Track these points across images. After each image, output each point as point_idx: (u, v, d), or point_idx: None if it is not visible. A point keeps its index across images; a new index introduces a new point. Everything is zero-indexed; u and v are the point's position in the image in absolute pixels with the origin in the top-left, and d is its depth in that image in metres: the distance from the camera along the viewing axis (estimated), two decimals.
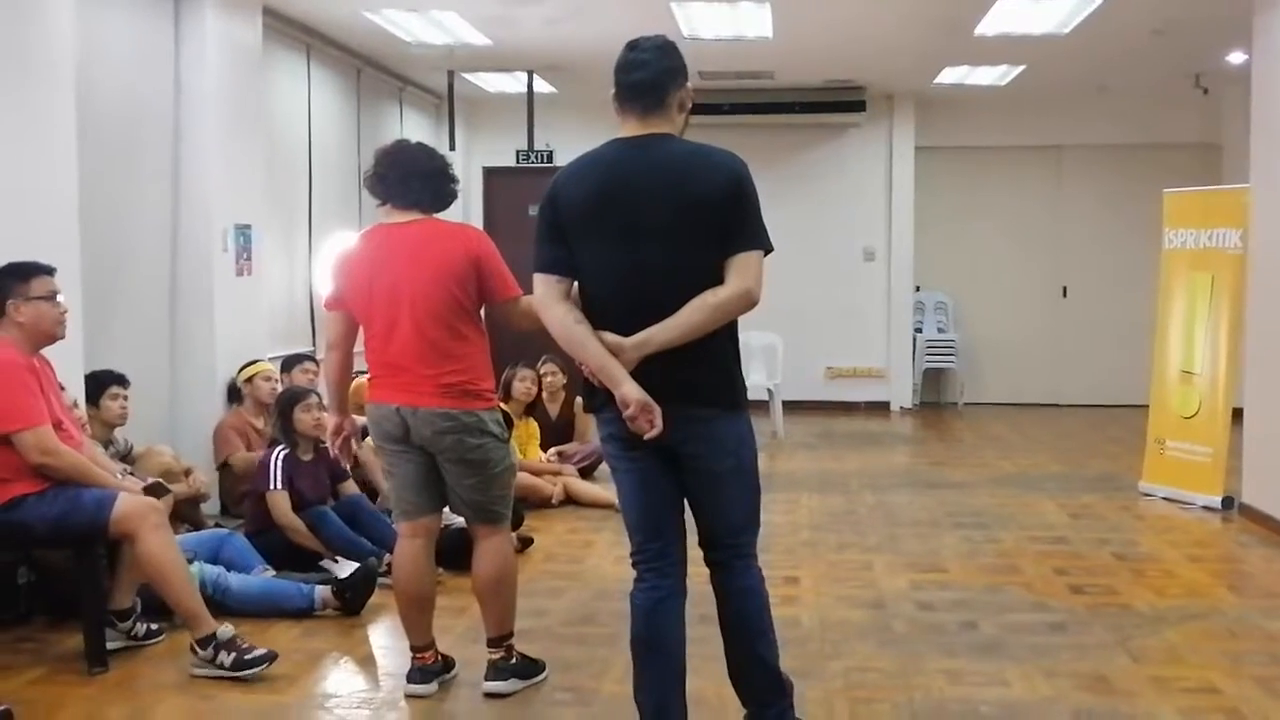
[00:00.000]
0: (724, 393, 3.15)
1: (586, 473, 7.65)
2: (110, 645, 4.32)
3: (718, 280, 3.04)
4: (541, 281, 3.17)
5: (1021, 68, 9.89)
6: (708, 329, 3.04)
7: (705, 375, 3.10)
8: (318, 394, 5.72)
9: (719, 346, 3.10)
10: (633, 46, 3.16)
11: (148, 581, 4.30)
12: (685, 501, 3.24)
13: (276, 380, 6.51)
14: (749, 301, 3.06)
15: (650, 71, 3.12)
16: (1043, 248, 12.06)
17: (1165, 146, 11.41)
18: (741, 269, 3.04)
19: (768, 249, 3.10)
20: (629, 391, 2.99)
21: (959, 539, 6.29)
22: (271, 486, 5.42)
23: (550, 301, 3.14)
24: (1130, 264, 11.12)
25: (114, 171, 6.06)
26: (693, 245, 3.04)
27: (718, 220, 3.03)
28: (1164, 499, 7.26)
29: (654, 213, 3.04)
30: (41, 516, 4.12)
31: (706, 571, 3.28)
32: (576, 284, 3.18)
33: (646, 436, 3.00)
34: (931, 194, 11.87)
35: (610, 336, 3.05)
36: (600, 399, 3.14)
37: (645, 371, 3.02)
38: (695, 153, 3.12)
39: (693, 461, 3.14)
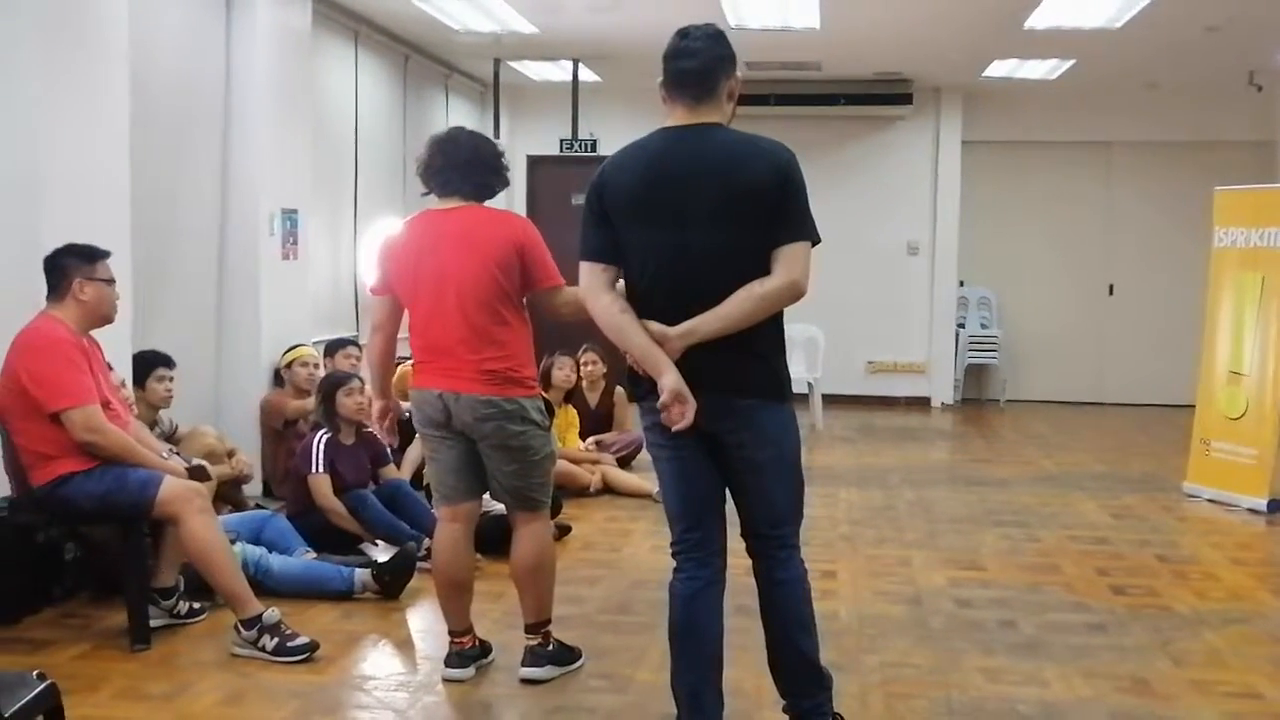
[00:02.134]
0: (767, 383, 3.14)
1: (625, 462, 7.66)
2: (153, 622, 4.38)
3: (763, 270, 3.03)
4: (587, 270, 3.17)
5: (1071, 62, 9.78)
6: (754, 320, 3.03)
7: (749, 365, 3.09)
8: (360, 378, 5.78)
9: (763, 337, 3.09)
10: (683, 34, 3.14)
11: (192, 563, 4.36)
12: (727, 492, 3.24)
13: (315, 366, 6.57)
14: (796, 293, 3.04)
15: (700, 60, 3.10)
16: (1089, 245, 11.93)
17: (1216, 144, 11.25)
18: (788, 260, 3.02)
19: (815, 240, 3.08)
20: (667, 381, 2.99)
21: (998, 537, 6.25)
22: (313, 470, 5.46)
23: (596, 290, 3.14)
24: (1178, 263, 10.98)
25: (165, 156, 6.12)
26: (739, 235, 3.02)
27: (764, 210, 3.02)
28: (1208, 500, 7.18)
29: (701, 202, 3.03)
30: (88, 494, 4.19)
31: (746, 562, 3.28)
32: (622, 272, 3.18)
33: (675, 429, 3.00)
34: (977, 189, 11.77)
35: (655, 326, 3.05)
36: (644, 388, 3.14)
37: (689, 361, 3.02)
38: (744, 142, 3.10)
39: (735, 451, 3.13)
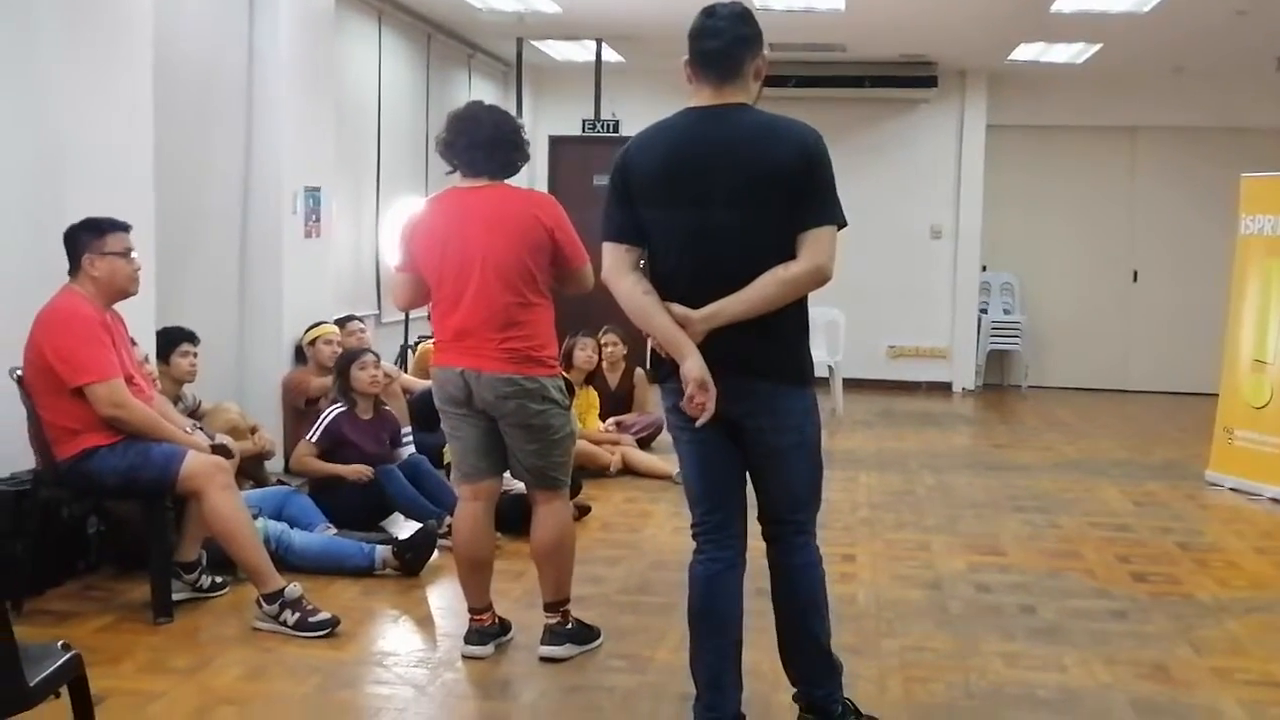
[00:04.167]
0: (789, 367, 3.12)
1: (645, 443, 7.66)
2: (176, 596, 4.41)
3: (788, 254, 3.01)
4: (611, 250, 3.14)
5: (1098, 46, 9.70)
6: (778, 304, 3.01)
7: (771, 349, 3.07)
8: (374, 353, 5.81)
9: (787, 321, 3.07)
10: (709, 13, 3.10)
11: (214, 538, 4.38)
12: (747, 475, 3.23)
13: (338, 344, 6.59)
14: (821, 278, 3.02)
15: (726, 39, 3.06)
16: (1114, 231, 11.85)
17: (1244, 130, 11.13)
18: (814, 244, 3.00)
19: (841, 224, 3.05)
20: (691, 368, 2.98)
21: (1019, 522, 6.23)
22: (309, 436, 5.56)
23: (620, 271, 3.12)
24: (1203, 249, 10.91)
25: (188, 133, 6.13)
26: (763, 217, 3.00)
27: (789, 192, 2.99)
28: (1231, 489, 7.13)
29: (725, 183, 3.01)
30: (112, 469, 4.21)
31: (764, 544, 3.28)
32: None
33: (698, 423, 2.99)
34: (1002, 173, 11.70)
35: (678, 308, 3.03)
36: (666, 370, 3.12)
37: (712, 343, 3.01)
38: (770, 123, 3.07)
39: (755, 435, 3.12)
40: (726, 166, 3.01)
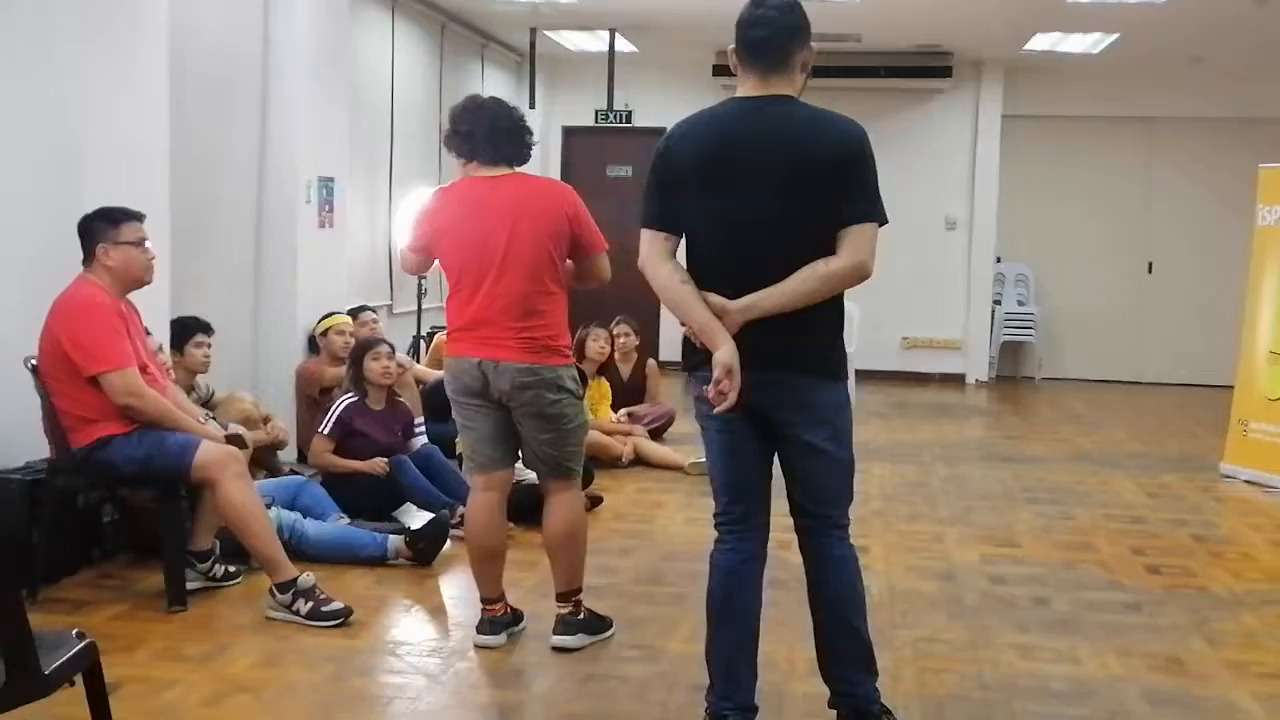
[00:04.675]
0: (823, 361, 3.11)
1: (656, 434, 7.66)
2: (189, 585, 4.43)
3: (826, 249, 2.99)
4: (649, 237, 3.12)
5: (1115, 36, 9.64)
6: (815, 299, 3.00)
7: (806, 342, 3.05)
8: (389, 344, 5.82)
9: (823, 315, 3.05)
10: (758, 3, 3.06)
11: (228, 527, 4.40)
12: (773, 468, 3.21)
13: (351, 334, 6.60)
14: (861, 275, 3.01)
15: (774, 29, 3.03)
16: (1129, 222, 11.79)
17: (1262, 121, 11.04)
18: (855, 241, 2.98)
19: (882, 221, 3.04)
20: (723, 355, 2.95)
21: (1033, 514, 6.22)
22: (321, 429, 5.57)
23: (657, 258, 3.09)
24: (1220, 241, 10.85)
25: (203, 124, 6.14)
26: (803, 211, 2.98)
27: (831, 187, 2.97)
28: (1245, 481, 7.10)
29: (767, 176, 2.99)
30: (127, 458, 4.23)
31: (779, 535, 3.27)
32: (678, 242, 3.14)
33: (717, 410, 2.98)
34: (1017, 163, 11.65)
35: (715, 298, 3.01)
36: (698, 357, 3.09)
37: (746, 335, 2.98)
38: (814, 117, 3.05)
39: (787, 428, 3.10)
40: (769, 159, 2.99)
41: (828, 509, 3.17)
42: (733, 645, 3.17)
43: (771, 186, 2.99)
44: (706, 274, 3.06)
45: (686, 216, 3.09)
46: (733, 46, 3.09)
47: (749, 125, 3.03)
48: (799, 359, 3.05)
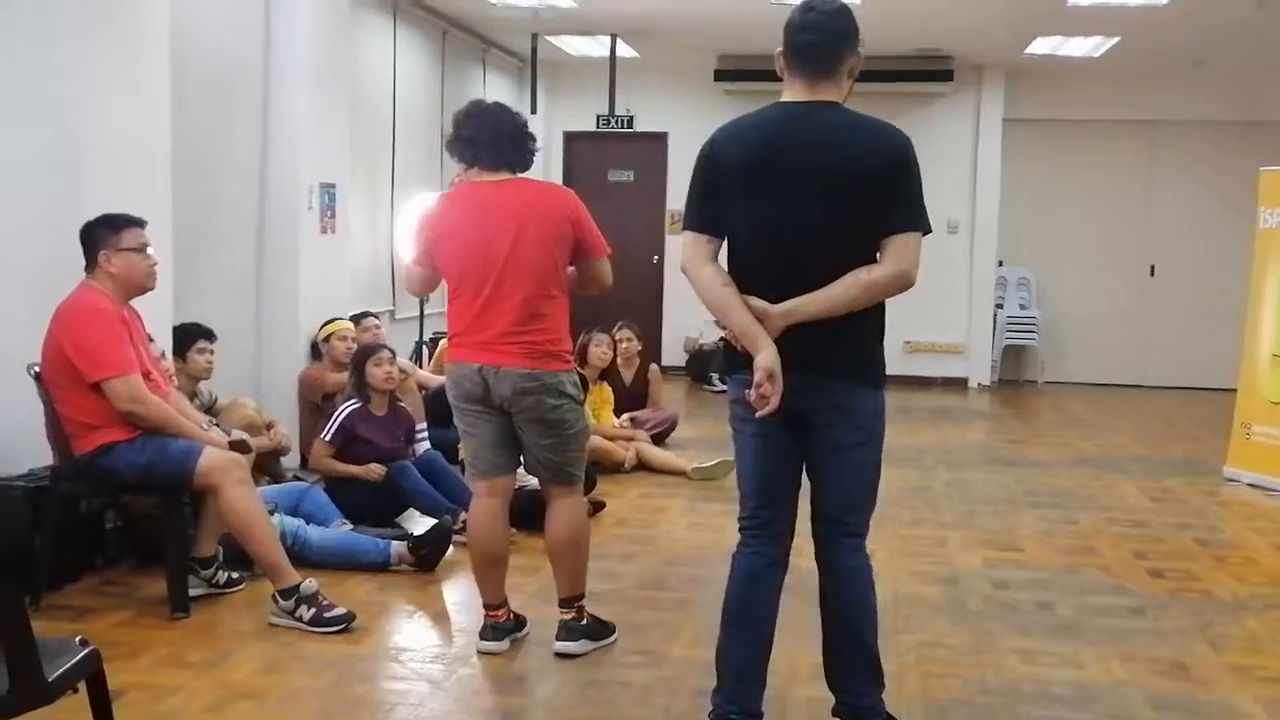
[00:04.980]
0: (863, 368, 3.11)
1: (659, 439, 7.66)
2: (192, 592, 4.43)
3: (867, 256, 3.00)
4: (692, 239, 3.11)
5: (1116, 39, 9.65)
6: (857, 306, 3.00)
7: (847, 349, 3.06)
8: (390, 349, 5.83)
9: (864, 322, 3.06)
10: (808, 8, 3.06)
11: (231, 534, 4.40)
12: (803, 474, 3.20)
13: (353, 339, 6.60)
14: (904, 284, 3.01)
15: (824, 34, 3.03)
16: (1131, 225, 11.79)
17: (1263, 124, 11.04)
18: (898, 250, 2.99)
19: (926, 230, 3.04)
20: (765, 358, 2.94)
21: (1036, 518, 6.21)
22: (323, 435, 5.59)
23: (700, 261, 3.08)
24: (1222, 244, 10.85)
25: (205, 129, 6.15)
26: (846, 217, 2.98)
27: (875, 195, 2.97)
28: (1249, 485, 7.10)
29: (812, 182, 2.98)
30: (130, 464, 4.23)
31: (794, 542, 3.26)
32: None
33: (759, 414, 2.96)
34: (1018, 167, 11.65)
35: (757, 302, 3.00)
36: (738, 361, 3.09)
37: (788, 340, 2.98)
38: (860, 125, 3.05)
39: (823, 433, 3.09)
40: (814, 164, 2.99)
41: (849, 515, 3.17)
42: (746, 650, 3.17)
43: (815, 192, 2.98)
44: (748, 277, 3.05)
45: (729, 220, 3.08)
46: (780, 50, 3.09)
47: (795, 130, 3.03)
48: (839, 365, 3.05)
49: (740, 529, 3.22)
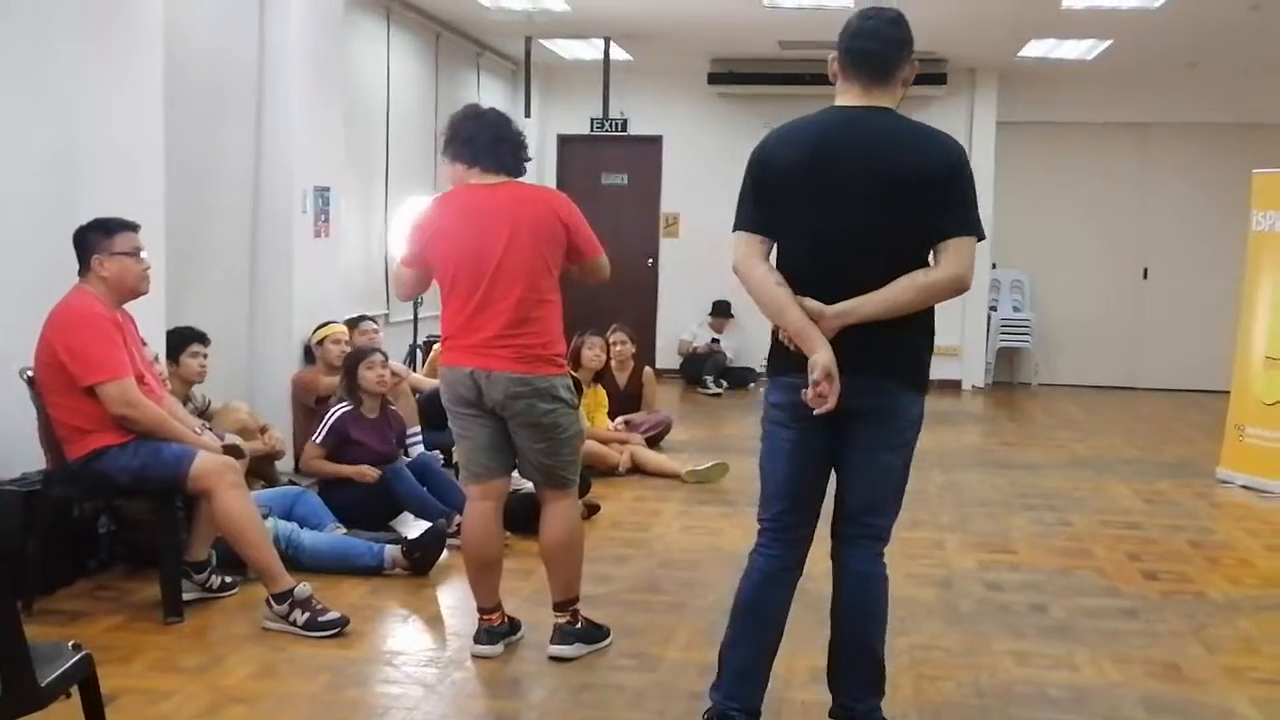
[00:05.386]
0: (911, 372, 3.13)
1: (653, 442, 7.67)
2: (186, 596, 4.42)
3: (918, 260, 3.01)
4: (744, 240, 3.09)
5: (1109, 42, 9.67)
6: (912, 309, 3.02)
7: (897, 352, 3.07)
8: (382, 353, 5.83)
9: (916, 325, 3.08)
10: (867, 15, 3.10)
11: (224, 538, 4.39)
12: (828, 479, 3.20)
13: (346, 343, 6.60)
14: (960, 287, 3.03)
15: (882, 42, 3.06)
16: (1125, 228, 11.81)
17: (1257, 127, 11.07)
18: (954, 254, 3.00)
19: (980, 236, 3.05)
20: (822, 358, 2.94)
21: (1030, 520, 6.22)
22: (314, 437, 5.58)
23: (754, 262, 3.07)
24: (1215, 246, 10.87)
25: (199, 133, 6.14)
26: (902, 222, 3.00)
27: (931, 200, 2.99)
28: (1242, 486, 7.11)
29: (868, 186, 2.99)
30: (123, 468, 4.22)
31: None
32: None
33: (817, 411, 2.96)
34: (1012, 170, 11.66)
35: (811, 303, 3.00)
36: (788, 363, 3.07)
37: (841, 341, 2.98)
38: (916, 130, 3.07)
39: (863, 433, 3.09)
40: (871, 170, 3.00)
41: (875, 518, 3.18)
42: (754, 649, 3.18)
43: (870, 196, 3.00)
44: (797, 279, 3.04)
45: (781, 221, 3.07)
46: (834, 55, 3.12)
47: (853, 134, 3.05)
48: (890, 368, 3.06)
49: (762, 530, 3.22)
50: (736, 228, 3.12)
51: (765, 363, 3.21)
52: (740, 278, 3.11)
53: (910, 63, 3.12)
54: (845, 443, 3.12)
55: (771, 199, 3.08)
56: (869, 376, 3.01)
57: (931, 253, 3.04)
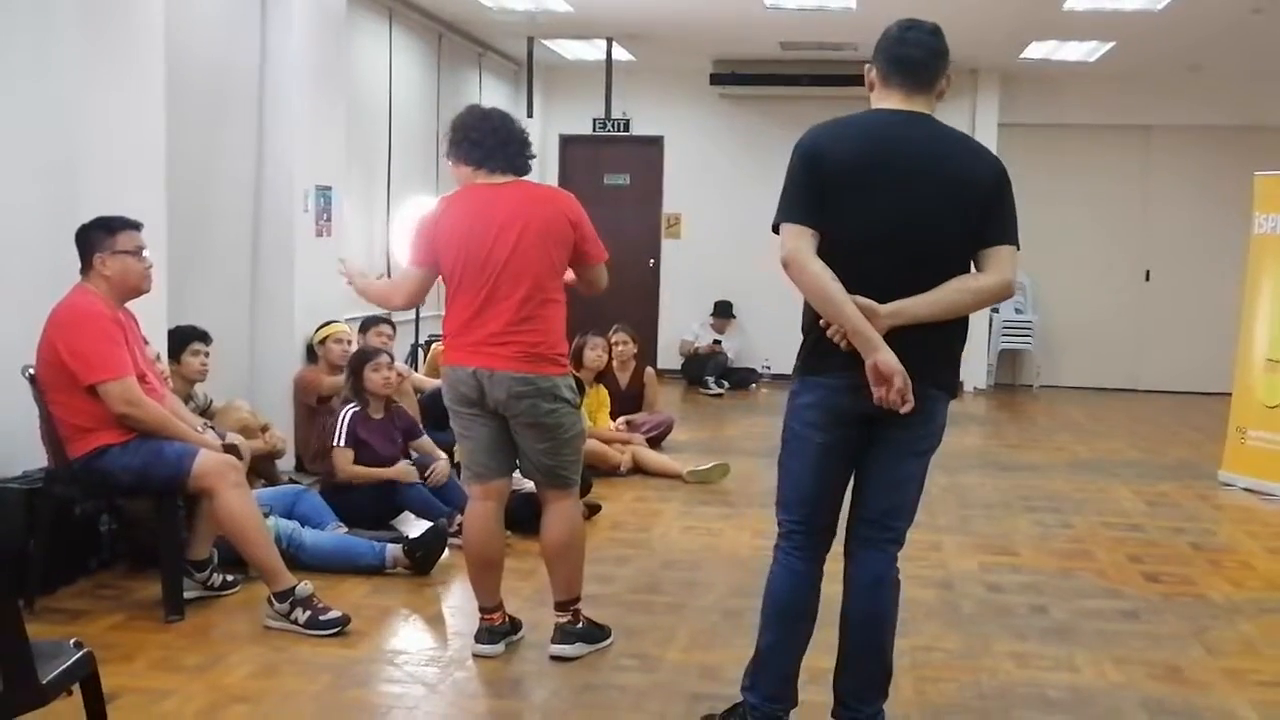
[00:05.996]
0: (947, 376, 3.16)
1: (655, 442, 7.67)
2: (187, 594, 4.42)
3: (960, 265, 3.05)
4: (796, 233, 3.03)
5: (1111, 44, 9.67)
6: (960, 312, 3.05)
7: (938, 356, 3.09)
8: (389, 354, 5.82)
9: (957, 331, 3.10)
10: (910, 25, 3.15)
11: (226, 536, 4.39)
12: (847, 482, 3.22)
13: (348, 343, 6.61)
14: (1007, 293, 3.10)
15: (926, 51, 3.11)
16: (1127, 230, 11.81)
17: (1260, 129, 11.07)
18: (1001, 261, 3.05)
19: (1018, 245, 3.10)
20: (889, 361, 2.92)
21: (1031, 522, 6.22)
22: (336, 442, 5.54)
23: (805, 255, 3.02)
24: (1217, 248, 10.87)
25: (200, 133, 6.14)
26: (952, 226, 3.02)
27: (980, 208, 3.03)
28: (1244, 489, 7.11)
29: (926, 188, 3.01)
30: (125, 467, 4.22)
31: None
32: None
33: (903, 410, 2.95)
34: (1013, 172, 11.22)
35: (863, 300, 2.97)
36: (834, 360, 3.03)
37: (890, 341, 2.96)
38: (962, 140, 3.14)
39: (895, 435, 3.09)
40: (931, 171, 3.03)
41: (895, 521, 3.19)
42: (796, 648, 3.21)
43: (930, 199, 3.01)
44: (847, 275, 2.99)
45: (837, 216, 3.03)
46: (869, 62, 3.15)
47: (908, 136, 3.06)
48: (930, 370, 3.06)
49: (784, 532, 3.22)
50: (785, 220, 3.05)
51: (798, 362, 3.15)
52: (792, 272, 3.04)
53: (947, 73, 3.16)
54: (874, 444, 3.13)
55: (828, 193, 3.03)
56: (914, 379, 2.99)
57: (973, 260, 3.08)
